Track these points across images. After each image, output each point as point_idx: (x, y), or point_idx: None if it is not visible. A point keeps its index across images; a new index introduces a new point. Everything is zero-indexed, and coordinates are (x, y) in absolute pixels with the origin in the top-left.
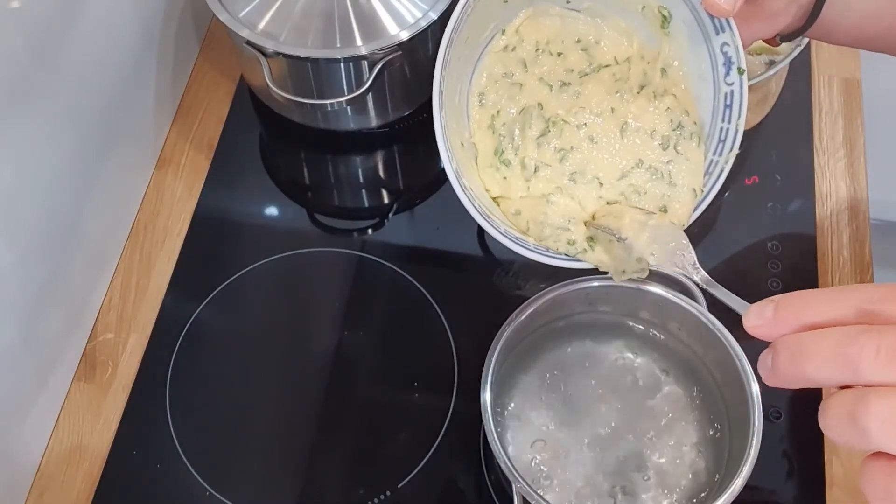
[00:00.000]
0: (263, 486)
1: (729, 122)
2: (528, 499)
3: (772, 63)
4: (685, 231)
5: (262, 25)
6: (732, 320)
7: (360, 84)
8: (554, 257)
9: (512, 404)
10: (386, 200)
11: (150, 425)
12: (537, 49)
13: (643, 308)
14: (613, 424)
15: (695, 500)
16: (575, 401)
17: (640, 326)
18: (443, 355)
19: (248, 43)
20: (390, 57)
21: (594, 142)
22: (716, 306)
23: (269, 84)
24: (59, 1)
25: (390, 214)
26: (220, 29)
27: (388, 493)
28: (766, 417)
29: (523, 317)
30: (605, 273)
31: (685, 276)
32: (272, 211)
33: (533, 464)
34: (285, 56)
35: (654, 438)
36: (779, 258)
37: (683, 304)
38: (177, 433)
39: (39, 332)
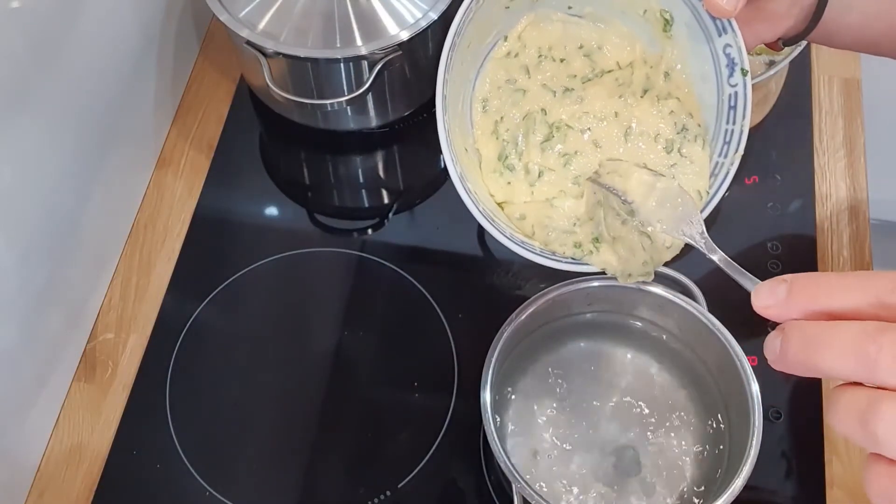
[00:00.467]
0: (263, 486)
1: (733, 124)
2: (528, 499)
3: (772, 63)
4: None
5: (262, 25)
6: (732, 320)
7: (360, 84)
8: (560, 261)
9: (512, 404)
10: (386, 200)
11: (150, 425)
12: (540, 55)
13: (643, 308)
14: (613, 424)
15: (695, 500)
16: (575, 400)
17: (640, 326)
18: (443, 355)
19: (248, 43)
20: (390, 57)
21: (598, 146)
22: (716, 306)
23: (269, 84)
24: (59, 1)
25: (390, 214)
26: (220, 29)
27: (388, 493)
28: (766, 417)
29: (523, 317)
30: (607, 274)
31: (692, 243)
32: (272, 211)
33: (533, 463)
34: (285, 56)
35: (654, 438)
36: (779, 258)
37: (683, 304)
38: (177, 433)
39: (39, 332)
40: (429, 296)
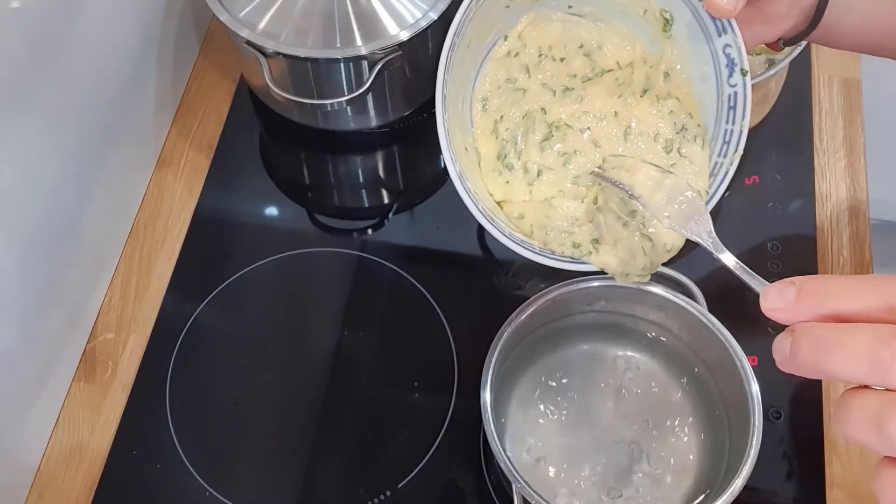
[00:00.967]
0: (263, 486)
1: (733, 124)
2: (528, 499)
3: (772, 63)
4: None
5: (262, 25)
6: (732, 320)
7: (360, 84)
8: (559, 259)
9: (512, 404)
10: (386, 200)
11: (150, 425)
12: (540, 54)
13: (643, 308)
14: (613, 424)
15: (695, 500)
16: (575, 401)
17: (640, 327)
18: (443, 355)
19: (248, 43)
20: (390, 57)
21: (597, 146)
22: (716, 306)
23: (269, 84)
24: (59, 1)
25: (390, 214)
26: (220, 29)
27: (388, 493)
28: (766, 417)
29: (523, 317)
30: (606, 273)
31: (699, 241)
32: (272, 211)
33: (533, 464)
34: (285, 56)
35: (654, 438)
36: (779, 258)
37: (683, 304)
38: (177, 433)
39: (39, 332)
40: (429, 296)
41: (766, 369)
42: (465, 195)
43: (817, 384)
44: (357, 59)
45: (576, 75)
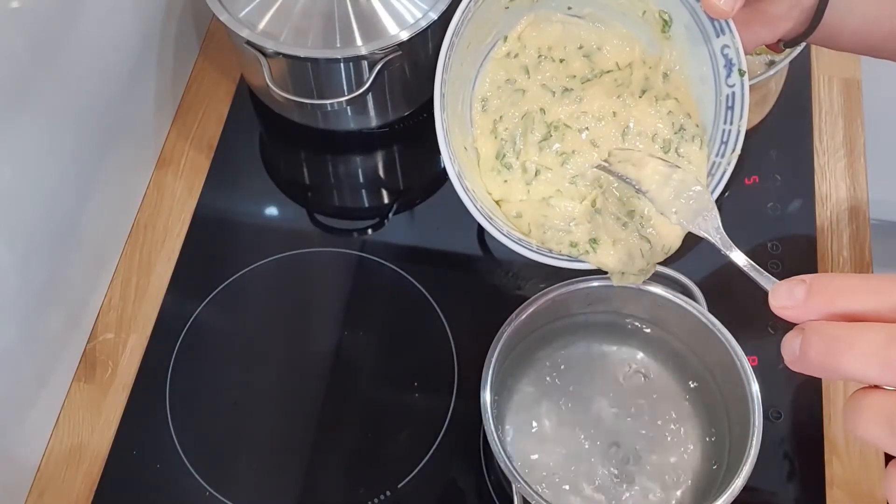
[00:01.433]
0: (263, 486)
1: (731, 124)
2: (528, 499)
3: (772, 63)
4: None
5: (262, 25)
6: (732, 320)
7: (360, 84)
8: (556, 258)
9: (512, 404)
10: (386, 200)
11: (150, 425)
12: (539, 55)
13: (643, 308)
14: (613, 424)
15: (695, 500)
16: (575, 401)
17: (640, 326)
18: (443, 355)
19: (248, 43)
20: (390, 57)
21: (596, 146)
22: (716, 306)
23: (269, 84)
24: (59, 1)
25: (390, 214)
26: (220, 29)
27: (388, 493)
28: (766, 417)
29: (523, 317)
30: (606, 274)
31: (707, 237)
32: (272, 211)
33: (533, 463)
34: (285, 56)
35: (654, 438)
36: (779, 258)
37: (683, 304)
38: (177, 433)
39: (39, 332)
40: (429, 296)
41: (766, 369)
42: (463, 194)
43: (817, 384)
44: (357, 59)
45: (575, 76)
